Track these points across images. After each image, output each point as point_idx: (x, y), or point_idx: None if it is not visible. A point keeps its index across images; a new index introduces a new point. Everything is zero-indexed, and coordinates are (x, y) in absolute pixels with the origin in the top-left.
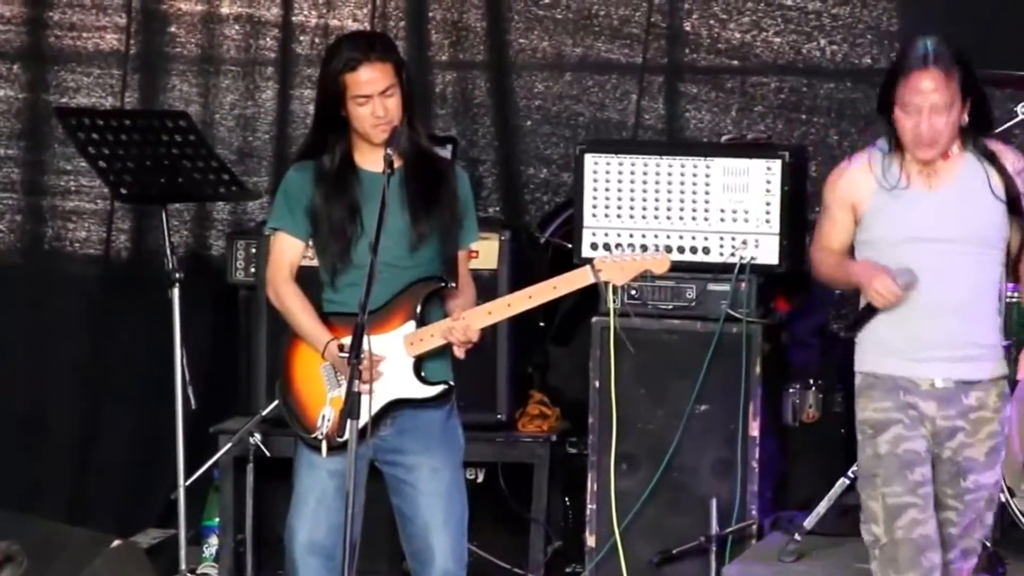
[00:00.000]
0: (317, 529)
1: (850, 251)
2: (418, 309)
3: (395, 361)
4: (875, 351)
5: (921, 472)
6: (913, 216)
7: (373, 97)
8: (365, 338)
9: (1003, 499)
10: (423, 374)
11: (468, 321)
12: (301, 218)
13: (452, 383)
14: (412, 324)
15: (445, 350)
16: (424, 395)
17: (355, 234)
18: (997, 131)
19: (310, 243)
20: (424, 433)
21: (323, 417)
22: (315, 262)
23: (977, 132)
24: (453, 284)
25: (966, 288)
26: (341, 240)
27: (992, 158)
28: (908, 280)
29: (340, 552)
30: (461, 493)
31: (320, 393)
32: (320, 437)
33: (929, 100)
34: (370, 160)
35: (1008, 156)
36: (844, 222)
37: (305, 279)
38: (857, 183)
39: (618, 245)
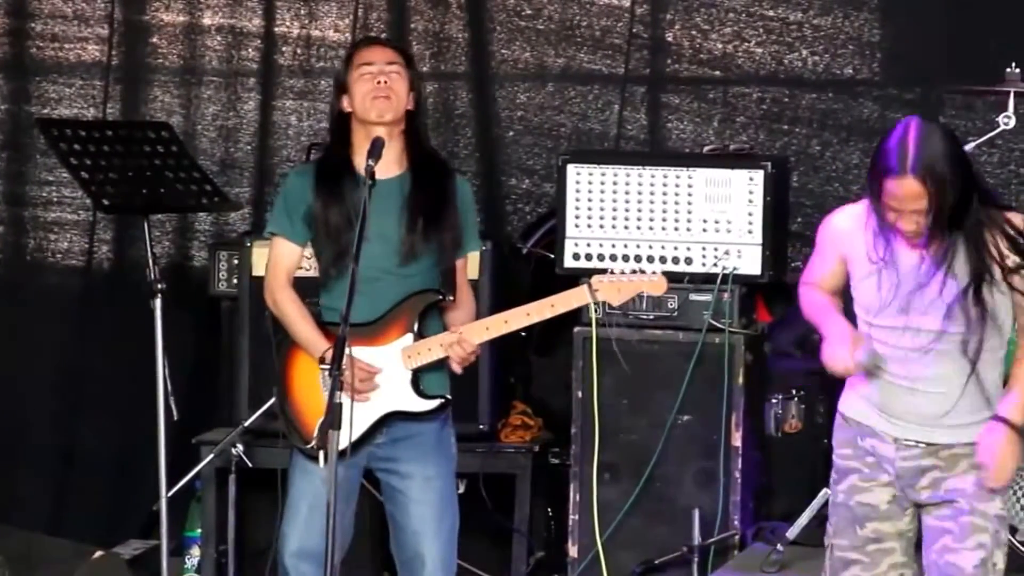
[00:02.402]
0: (309, 536)
1: (841, 291)
2: (416, 322)
3: (393, 373)
4: (853, 395)
5: (874, 528)
6: (897, 292)
7: (375, 65)
8: (347, 349)
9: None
10: (421, 387)
11: (465, 336)
12: (299, 223)
13: (449, 396)
14: (410, 337)
15: (443, 363)
16: (422, 408)
17: (351, 241)
18: (979, 141)
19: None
20: (418, 442)
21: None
22: (311, 272)
23: (957, 216)
24: (451, 297)
25: (946, 368)
26: (336, 246)
27: (982, 237)
28: (870, 362)
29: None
30: (453, 503)
31: (318, 402)
32: (318, 447)
33: (908, 206)
34: None
35: (1003, 234)
36: (833, 266)
37: (302, 288)
38: (850, 239)
39: (600, 255)
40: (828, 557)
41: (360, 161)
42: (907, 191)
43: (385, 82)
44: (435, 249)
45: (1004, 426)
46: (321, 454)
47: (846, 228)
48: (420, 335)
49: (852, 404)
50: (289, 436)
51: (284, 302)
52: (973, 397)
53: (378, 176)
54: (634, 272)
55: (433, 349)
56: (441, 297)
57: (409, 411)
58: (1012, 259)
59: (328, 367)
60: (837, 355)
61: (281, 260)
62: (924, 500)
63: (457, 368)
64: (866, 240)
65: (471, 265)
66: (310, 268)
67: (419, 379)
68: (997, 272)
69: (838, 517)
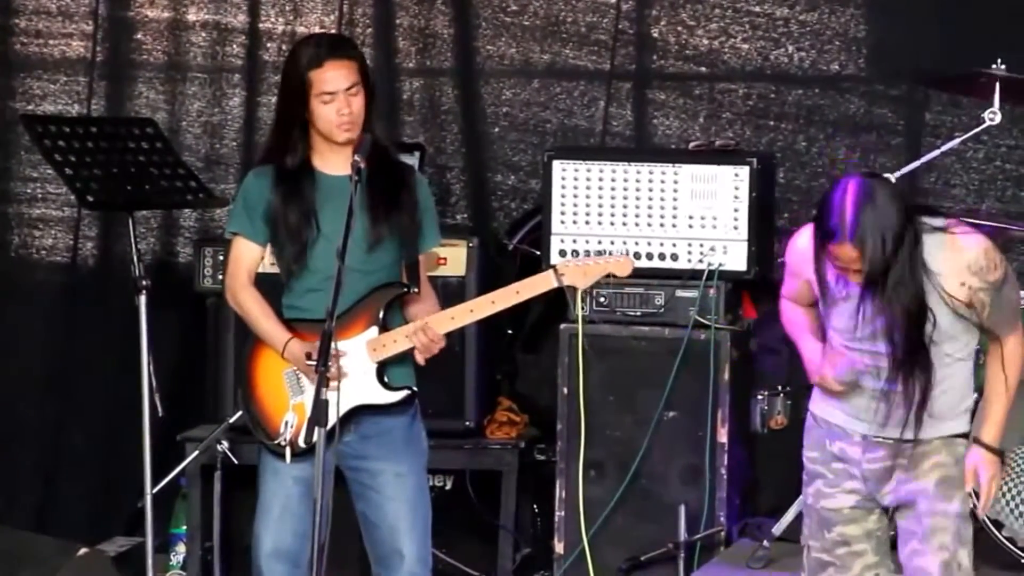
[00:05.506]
0: (283, 536)
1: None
2: (380, 315)
3: (358, 367)
4: (822, 395)
5: (839, 531)
6: (861, 319)
7: (338, 94)
8: (332, 344)
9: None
10: (386, 379)
11: (431, 325)
12: (259, 223)
13: (415, 388)
14: (375, 329)
15: (408, 356)
16: (387, 400)
17: (311, 238)
18: (965, 137)
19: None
20: (388, 439)
21: (286, 423)
22: (275, 268)
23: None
24: (416, 290)
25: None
26: (296, 243)
27: (921, 266)
28: (850, 377)
29: (306, 558)
30: (425, 498)
31: (283, 399)
32: (283, 443)
33: (851, 266)
34: (330, 163)
35: (946, 262)
36: (802, 288)
37: (266, 285)
38: (809, 263)
39: (587, 252)
40: (805, 556)
41: (320, 162)
42: (847, 255)
43: (349, 111)
44: (397, 238)
45: (982, 449)
46: (288, 450)
47: (809, 256)
48: (385, 328)
49: (821, 404)
50: (255, 432)
51: (246, 301)
52: (938, 401)
53: (336, 173)
54: (599, 254)
55: (399, 341)
56: (406, 290)
57: (376, 404)
58: (971, 282)
59: (313, 363)
60: (822, 380)
61: (242, 259)
62: (887, 504)
63: (421, 359)
64: (829, 270)
65: (456, 262)
66: (274, 263)
67: (384, 372)
68: (941, 294)
69: (809, 519)
